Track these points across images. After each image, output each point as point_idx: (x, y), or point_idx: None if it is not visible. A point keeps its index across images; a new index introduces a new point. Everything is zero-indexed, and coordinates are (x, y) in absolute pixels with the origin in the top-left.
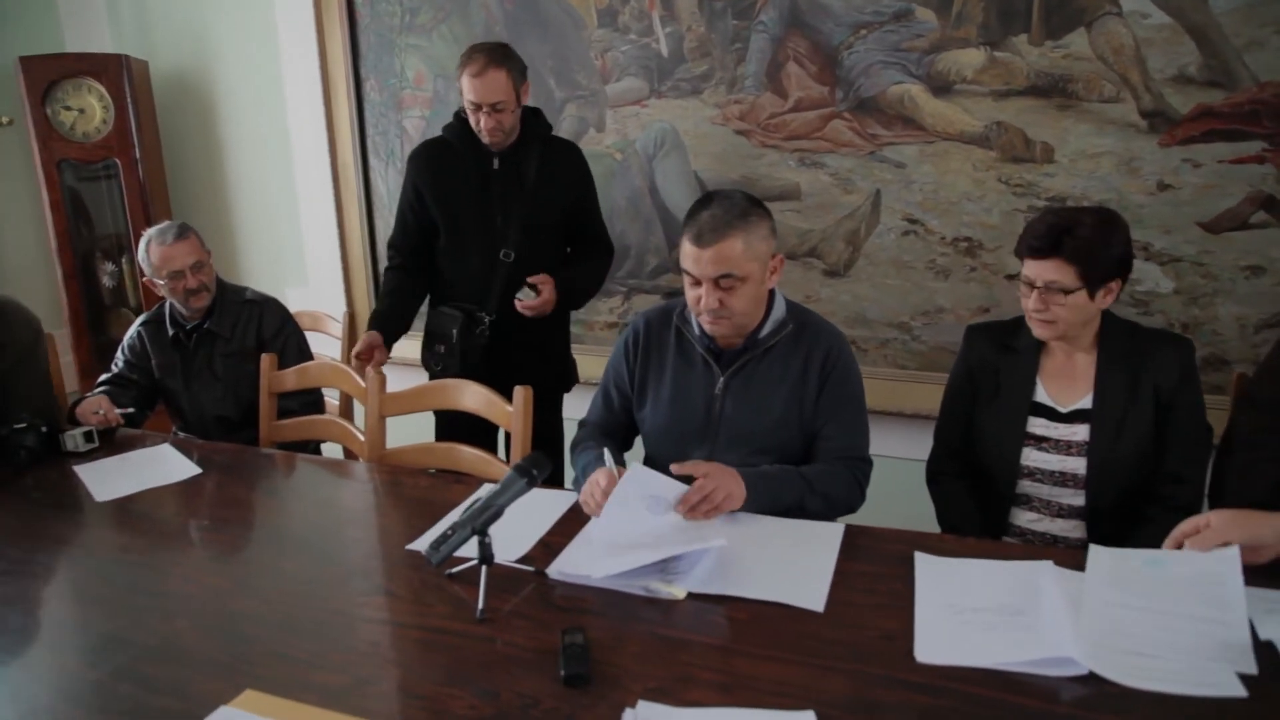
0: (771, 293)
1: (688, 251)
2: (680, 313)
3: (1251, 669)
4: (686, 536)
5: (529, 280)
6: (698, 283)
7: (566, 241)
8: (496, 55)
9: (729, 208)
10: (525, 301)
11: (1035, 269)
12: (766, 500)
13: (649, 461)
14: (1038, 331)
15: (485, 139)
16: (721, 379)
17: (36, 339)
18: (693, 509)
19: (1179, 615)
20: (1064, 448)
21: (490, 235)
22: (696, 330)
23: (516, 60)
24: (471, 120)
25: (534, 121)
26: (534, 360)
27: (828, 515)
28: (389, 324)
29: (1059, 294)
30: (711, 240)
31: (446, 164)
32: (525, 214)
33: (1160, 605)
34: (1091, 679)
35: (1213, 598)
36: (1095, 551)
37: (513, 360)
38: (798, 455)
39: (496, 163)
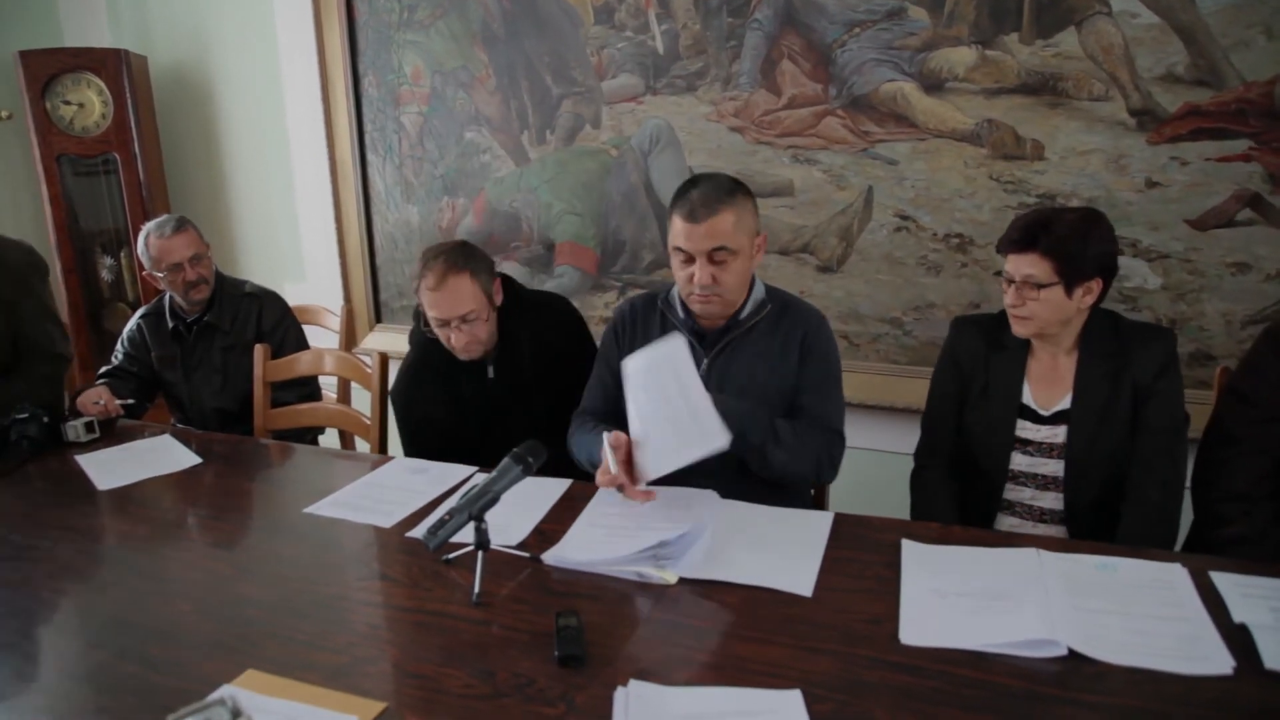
0: (751, 275)
1: (680, 229)
2: (664, 298)
3: (1227, 662)
4: (676, 521)
5: None
6: (689, 260)
7: None
8: (456, 259)
9: (717, 185)
10: None
11: (1013, 264)
12: (733, 428)
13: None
14: (1016, 328)
15: (460, 356)
16: (705, 360)
17: (31, 269)
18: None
19: (1142, 617)
20: (1046, 450)
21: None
22: (680, 314)
23: (481, 259)
24: (441, 338)
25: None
26: None
27: (787, 474)
28: None
29: (1033, 289)
30: (705, 215)
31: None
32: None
33: (1121, 609)
34: (1071, 659)
35: (1168, 599)
36: (1045, 556)
37: None
38: None
39: (492, 371)
